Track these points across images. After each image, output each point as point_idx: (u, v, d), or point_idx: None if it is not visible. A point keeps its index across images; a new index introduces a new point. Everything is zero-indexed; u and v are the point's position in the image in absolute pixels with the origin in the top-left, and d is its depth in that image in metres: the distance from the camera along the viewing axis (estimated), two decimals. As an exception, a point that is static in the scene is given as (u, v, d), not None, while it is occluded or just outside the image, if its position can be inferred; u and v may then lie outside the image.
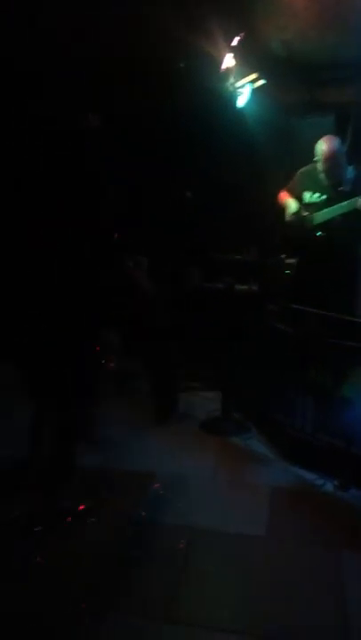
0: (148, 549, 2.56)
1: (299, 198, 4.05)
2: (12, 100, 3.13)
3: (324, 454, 3.28)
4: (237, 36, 3.94)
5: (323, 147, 3.89)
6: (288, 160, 4.23)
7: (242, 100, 4.53)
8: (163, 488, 3.05)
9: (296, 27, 4.14)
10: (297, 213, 3.99)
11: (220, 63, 4.16)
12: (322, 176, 3.96)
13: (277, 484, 3.16)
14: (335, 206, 3.80)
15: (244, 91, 4.47)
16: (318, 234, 3.92)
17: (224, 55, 4.11)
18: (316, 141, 4.02)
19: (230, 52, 4.07)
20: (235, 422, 3.86)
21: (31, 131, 2.94)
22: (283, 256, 4.07)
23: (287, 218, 4.06)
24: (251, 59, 4.25)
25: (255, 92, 4.53)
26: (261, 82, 4.43)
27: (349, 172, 3.92)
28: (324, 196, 3.93)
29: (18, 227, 2.84)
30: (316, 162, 3.96)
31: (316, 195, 3.97)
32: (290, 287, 4.01)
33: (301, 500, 3.03)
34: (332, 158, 3.86)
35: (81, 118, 2.99)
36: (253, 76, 4.38)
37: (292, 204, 4.04)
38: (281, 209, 4.12)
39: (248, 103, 4.56)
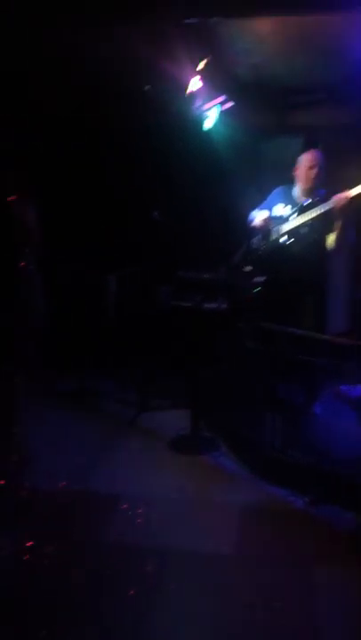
0: (117, 573, 2.48)
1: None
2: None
3: (295, 471, 3.27)
4: (203, 59, 4.01)
5: (307, 155, 3.93)
6: (256, 181, 4.28)
7: (209, 123, 4.60)
8: (130, 509, 2.99)
9: (263, 51, 4.24)
10: (267, 217, 4.01)
11: (186, 86, 4.23)
12: (295, 189, 4.00)
13: (248, 501, 3.12)
14: (308, 211, 3.80)
15: (212, 113, 4.54)
16: (284, 240, 3.94)
17: (190, 78, 4.17)
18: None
19: (196, 75, 4.14)
20: (204, 440, 3.83)
21: None
22: (249, 269, 4.08)
23: (256, 222, 4.07)
24: (217, 82, 4.33)
25: (223, 114, 4.61)
26: (229, 105, 4.51)
27: (322, 192, 3.97)
28: (294, 209, 3.96)
29: None
30: (293, 176, 4.01)
31: (288, 207, 4.00)
32: (259, 305, 4.03)
33: (272, 518, 3.00)
34: (316, 159, 3.88)
35: None
36: (220, 98, 4.46)
37: (263, 211, 4.05)
38: (249, 225, 4.14)
39: (216, 125, 4.64)
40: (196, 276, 4.53)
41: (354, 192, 3.52)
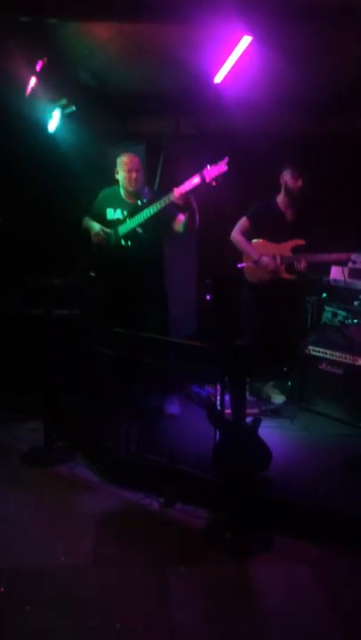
0: None
1: (101, 217, 4.11)
2: None
3: (150, 473, 3.30)
4: (40, 60, 3.91)
5: (124, 157, 4.02)
6: (101, 186, 4.26)
7: (52, 125, 4.51)
8: (-20, 533, 2.83)
9: (102, 57, 4.24)
10: (100, 232, 4.04)
11: (26, 86, 4.10)
12: (122, 191, 4.07)
13: (104, 509, 3.11)
14: (143, 211, 3.87)
15: (55, 115, 4.46)
16: (123, 243, 3.99)
17: (29, 78, 4.05)
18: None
19: (35, 75, 4.03)
20: (59, 450, 3.74)
21: None
22: (92, 275, 4.08)
23: (93, 239, 4.09)
24: (57, 84, 4.25)
25: (67, 117, 4.54)
26: (71, 108, 4.45)
27: (146, 191, 4.06)
28: (125, 211, 4.02)
29: None
30: (116, 180, 4.05)
31: (118, 210, 4.06)
32: (106, 309, 4.03)
33: (128, 523, 3.01)
34: (134, 163, 3.98)
35: None
36: (63, 101, 4.39)
37: (94, 225, 4.09)
38: (86, 233, 4.14)
39: (59, 128, 4.55)
40: (47, 281, 4.43)
41: (186, 187, 3.66)
